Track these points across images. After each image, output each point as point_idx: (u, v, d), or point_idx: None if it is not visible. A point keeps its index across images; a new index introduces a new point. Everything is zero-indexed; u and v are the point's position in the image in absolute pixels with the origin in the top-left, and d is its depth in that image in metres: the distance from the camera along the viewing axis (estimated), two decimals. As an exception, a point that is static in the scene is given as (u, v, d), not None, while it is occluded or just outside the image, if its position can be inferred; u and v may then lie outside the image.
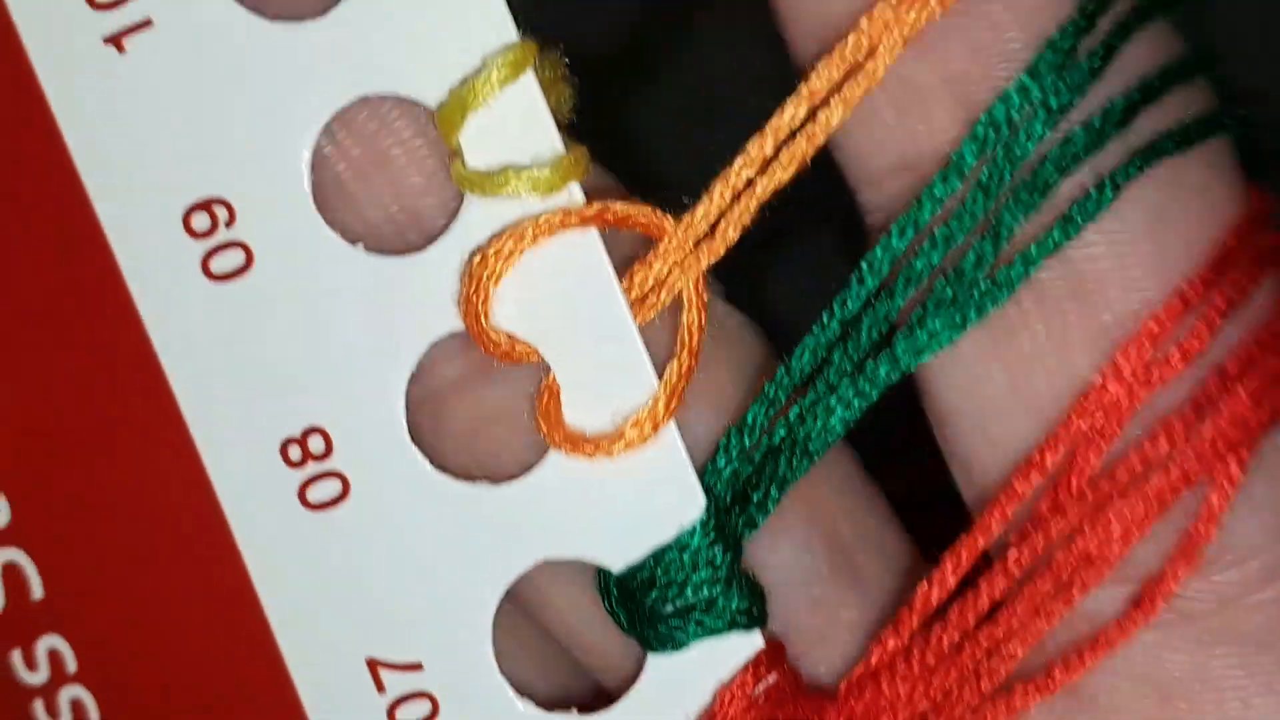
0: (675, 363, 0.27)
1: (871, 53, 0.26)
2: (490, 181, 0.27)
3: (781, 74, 0.27)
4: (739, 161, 0.27)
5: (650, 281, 0.27)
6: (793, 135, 0.27)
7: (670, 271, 0.27)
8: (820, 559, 0.29)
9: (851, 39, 0.26)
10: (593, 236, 0.27)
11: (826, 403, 0.28)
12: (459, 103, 0.26)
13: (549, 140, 0.27)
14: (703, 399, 0.28)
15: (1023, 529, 0.28)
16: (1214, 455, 0.27)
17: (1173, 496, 0.27)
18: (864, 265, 0.27)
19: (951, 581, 0.28)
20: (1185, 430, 0.27)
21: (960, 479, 0.29)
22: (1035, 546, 0.28)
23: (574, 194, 0.27)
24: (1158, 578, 0.27)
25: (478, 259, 0.27)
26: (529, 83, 0.27)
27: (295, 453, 0.27)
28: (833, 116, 0.27)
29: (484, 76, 0.26)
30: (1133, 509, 0.27)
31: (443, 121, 0.26)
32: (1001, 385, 0.28)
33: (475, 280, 0.27)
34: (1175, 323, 0.27)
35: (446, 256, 0.27)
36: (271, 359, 0.27)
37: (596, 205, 0.27)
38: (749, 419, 0.28)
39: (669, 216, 0.27)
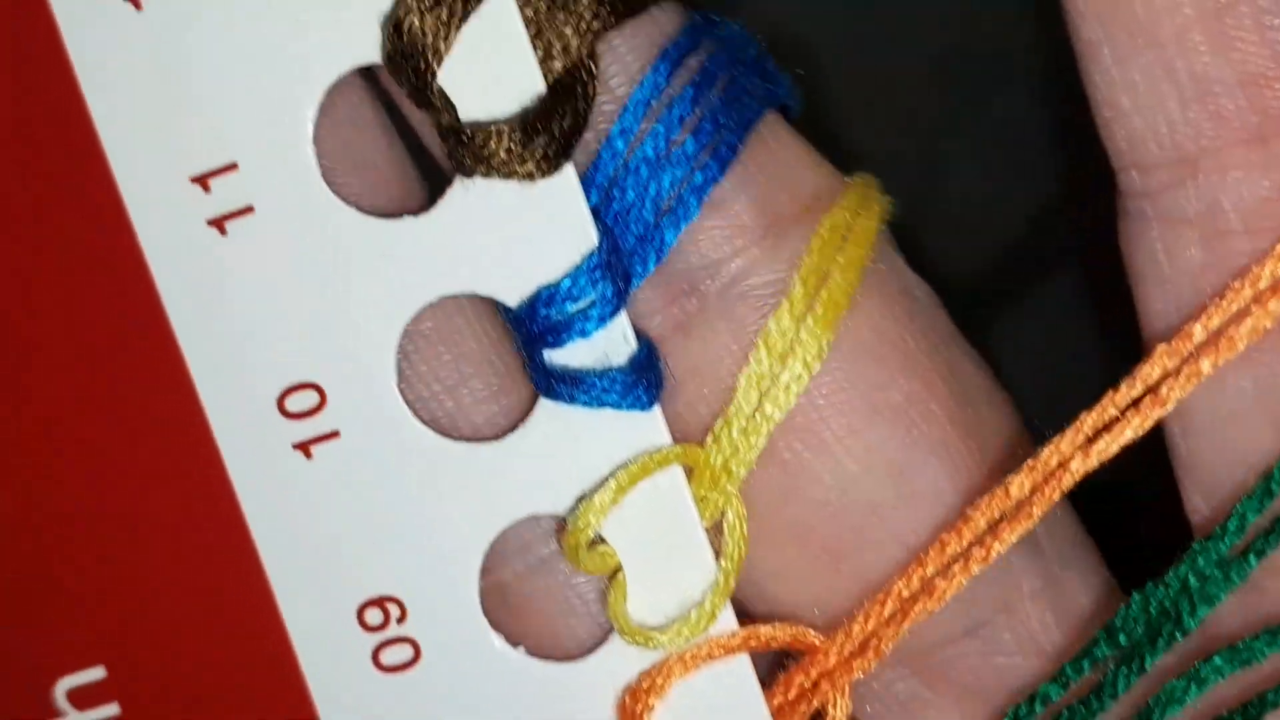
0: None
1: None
2: (644, 636, 0.26)
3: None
4: (899, 582, 0.26)
5: (798, 691, 0.27)
6: (951, 564, 0.26)
7: (819, 682, 0.27)
8: None
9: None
10: (741, 656, 0.26)
11: None
12: (581, 522, 0.26)
13: (703, 560, 0.26)
14: None
15: None
16: None
17: None
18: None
19: None
20: None
21: None
22: None
23: (726, 618, 0.26)
24: None
25: (628, 697, 0.26)
26: (681, 501, 0.26)
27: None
28: (993, 551, 0.26)
29: (601, 493, 0.26)
30: None
31: (569, 548, 0.26)
32: None
33: (629, 717, 0.26)
34: None
35: (600, 668, 0.27)
36: None
37: (743, 633, 0.26)
38: None
39: (820, 634, 0.26)
